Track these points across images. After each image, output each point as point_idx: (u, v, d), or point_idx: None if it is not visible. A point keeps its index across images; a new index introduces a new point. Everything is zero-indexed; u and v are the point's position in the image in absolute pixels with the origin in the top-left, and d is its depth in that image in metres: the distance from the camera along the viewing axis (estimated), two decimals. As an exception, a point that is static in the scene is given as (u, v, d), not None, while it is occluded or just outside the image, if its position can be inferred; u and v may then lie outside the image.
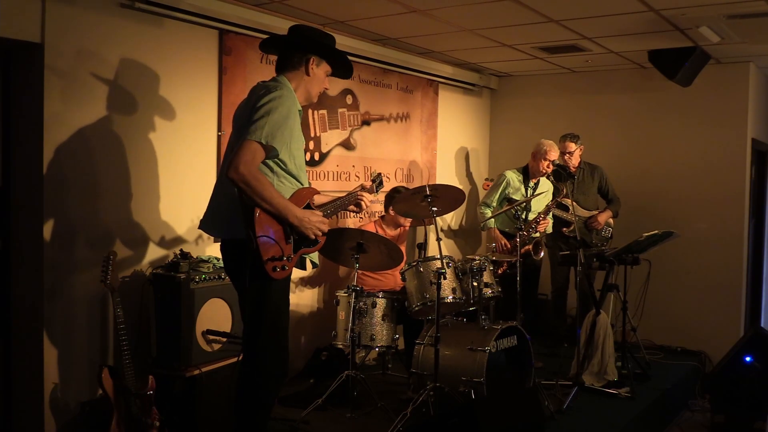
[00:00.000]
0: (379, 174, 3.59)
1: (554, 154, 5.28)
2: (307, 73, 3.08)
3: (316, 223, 2.96)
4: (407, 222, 5.02)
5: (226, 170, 2.81)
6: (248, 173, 2.76)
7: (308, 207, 3.02)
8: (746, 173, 5.92)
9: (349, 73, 3.32)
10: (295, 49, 3.08)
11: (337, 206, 3.23)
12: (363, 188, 3.37)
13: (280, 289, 2.98)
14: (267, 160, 2.89)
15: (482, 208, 5.53)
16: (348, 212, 4.82)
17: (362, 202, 3.31)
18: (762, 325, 6.48)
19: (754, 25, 4.59)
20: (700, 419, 4.95)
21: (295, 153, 2.97)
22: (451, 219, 6.52)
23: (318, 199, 3.17)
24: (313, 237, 2.97)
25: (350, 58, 5.12)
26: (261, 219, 2.81)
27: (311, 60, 3.07)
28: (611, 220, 5.75)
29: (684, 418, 5.01)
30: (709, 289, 5.93)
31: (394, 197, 4.82)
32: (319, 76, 3.13)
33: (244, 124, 2.87)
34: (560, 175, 5.31)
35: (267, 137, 2.80)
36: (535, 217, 5.19)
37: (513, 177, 5.48)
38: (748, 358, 4.69)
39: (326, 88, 3.25)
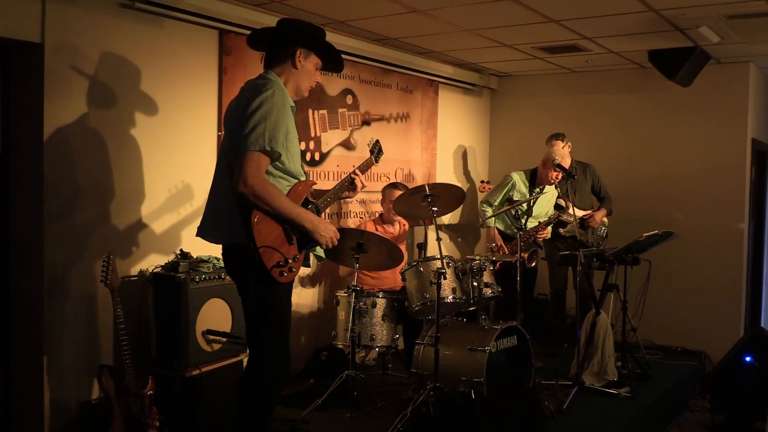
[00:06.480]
0: (377, 141, 3.48)
1: (566, 163, 5.15)
2: (295, 66, 2.97)
3: (331, 233, 2.94)
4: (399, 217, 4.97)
5: (234, 185, 2.73)
6: (257, 186, 2.70)
7: (306, 200, 2.96)
8: (746, 173, 5.92)
9: (340, 66, 3.23)
10: (282, 42, 2.99)
11: (334, 192, 3.16)
12: (355, 172, 3.26)
13: (284, 291, 2.95)
14: None
15: (484, 206, 5.49)
16: (346, 202, 4.74)
17: (356, 180, 3.23)
18: (762, 325, 6.48)
19: (754, 25, 4.59)
20: (700, 419, 4.95)
21: (292, 150, 2.90)
22: (450, 219, 6.52)
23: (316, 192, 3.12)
24: (327, 246, 2.95)
25: (350, 58, 5.24)
26: (260, 227, 2.74)
27: (298, 52, 2.96)
28: (605, 219, 5.74)
29: (684, 418, 5.01)
30: (709, 289, 5.93)
31: (392, 191, 4.82)
32: (308, 69, 3.02)
33: (236, 127, 2.79)
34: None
35: (270, 142, 2.73)
36: (535, 227, 5.16)
37: (519, 181, 5.36)
38: (748, 358, 4.69)
39: (318, 82, 3.13)
